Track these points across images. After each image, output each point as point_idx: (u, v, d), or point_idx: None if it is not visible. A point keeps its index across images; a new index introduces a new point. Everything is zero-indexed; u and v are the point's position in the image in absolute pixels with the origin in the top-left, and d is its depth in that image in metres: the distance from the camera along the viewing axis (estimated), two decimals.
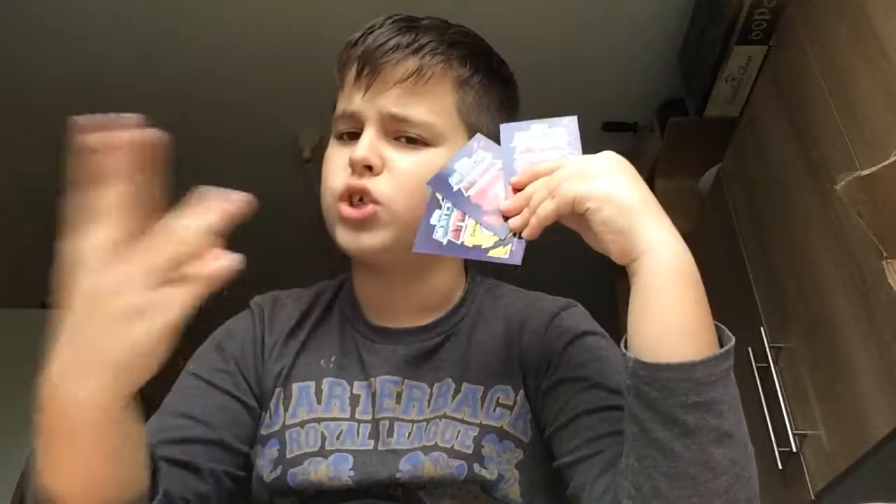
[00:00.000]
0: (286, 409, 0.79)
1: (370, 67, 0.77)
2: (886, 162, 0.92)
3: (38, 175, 2.18)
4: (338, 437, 0.76)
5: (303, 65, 1.80)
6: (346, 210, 0.76)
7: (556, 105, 2.16)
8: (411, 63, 0.77)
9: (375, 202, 0.75)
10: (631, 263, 0.65)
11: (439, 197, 0.71)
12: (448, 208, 0.71)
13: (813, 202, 1.19)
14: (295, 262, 2.32)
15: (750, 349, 1.29)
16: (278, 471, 0.75)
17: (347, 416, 0.78)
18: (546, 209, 0.67)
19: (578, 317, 0.83)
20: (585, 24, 1.71)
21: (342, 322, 0.85)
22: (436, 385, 0.78)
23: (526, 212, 0.68)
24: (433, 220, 0.70)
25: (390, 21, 0.80)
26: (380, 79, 0.76)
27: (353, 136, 0.78)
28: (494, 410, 0.76)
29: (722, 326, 0.64)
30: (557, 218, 0.67)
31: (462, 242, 0.69)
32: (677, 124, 1.74)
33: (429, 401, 0.78)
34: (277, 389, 0.80)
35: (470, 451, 0.73)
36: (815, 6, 1.26)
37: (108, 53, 1.79)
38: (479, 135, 0.76)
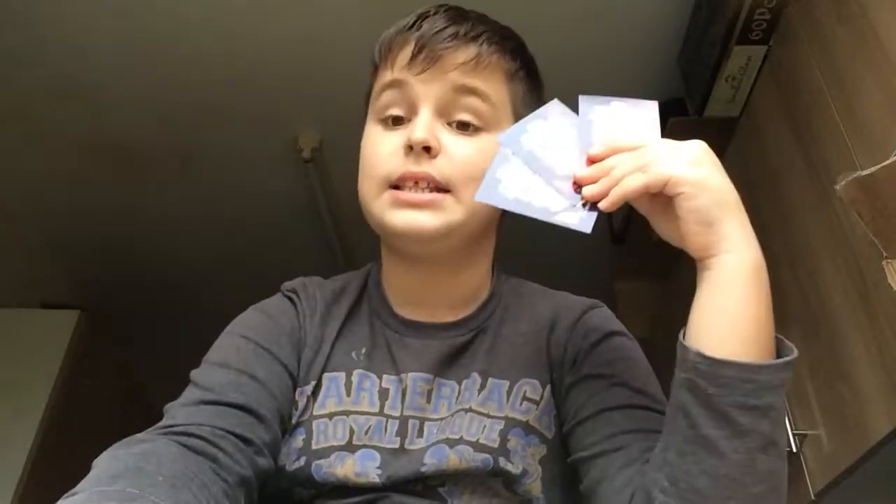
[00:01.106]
0: (315, 399, 0.77)
1: (429, 50, 0.76)
2: (886, 162, 0.92)
3: (38, 176, 2.19)
4: (366, 433, 0.75)
5: (303, 65, 1.80)
6: (408, 194, 0.74)
7: None
8: (471, 49, 0.77)
9: (438, 188, 0.74)
10: (709, 258, 0.64)
11: (508, 152, 0.68)
12: (518, 165, 0.67)
13: (813, 202, 1.19)
14: (295, 261, 2.32)
15: None
16: (302, 461, 0.74)
17: (376, 410, 0.76)
18: (634, 183, 0.64)
19: (606, 317, 0.84)
20: (585, 24, 1.71)
21: (371, 315, 0.83)
22: (464, 381, 0.78)
23: (605, 181, 0.66)
24: (499, 175, 0.67)
25: (444, 9, 0.80)
26: (439, 62, 0.76)
27: (399, 121, 0.77)
28: (521, 404, 0.76)
29: (783, 339, 0.63)
30: (643, 193, 0.65)
31: (529, 201, 0.66)
32: (677, 124, 1.74)
33: (457, 397, 0.77)
34: (312, 379, 0.78)
35: (496, 445, 0.73)
36: (815, 6, 1.26)
37: (106, 54, 1.79)
38: (556, 100, 0.74)
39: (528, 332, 0.81)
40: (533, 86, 0.84)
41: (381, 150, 0.76)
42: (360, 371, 0.79)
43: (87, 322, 2.46)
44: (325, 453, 0.74)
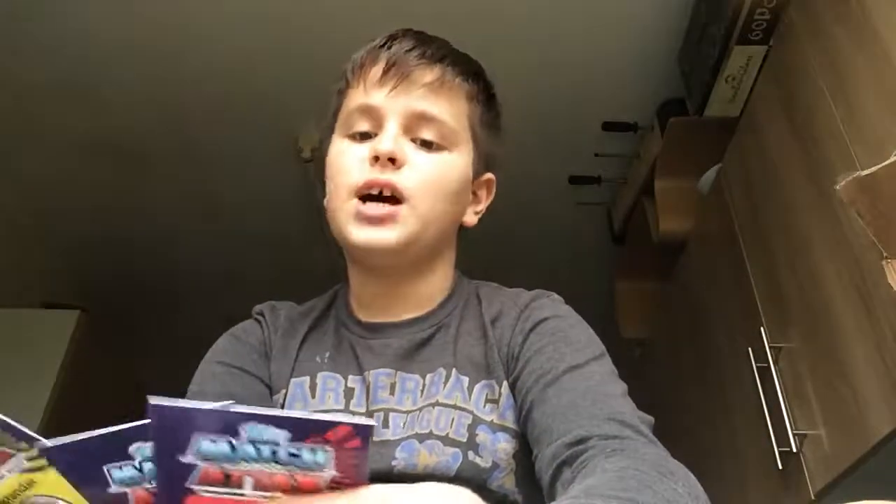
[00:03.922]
0: (284, 405, 0.80)
1: (399, 68, 0.81)
2: (886, 162, 0.92)
3: (38, 176, 2.19)
4: None
5: (303, 65, 1.80)
6: (370, 209, 0.78)
7: (557, 104, 2.17)
8: (437, 70, 0.83)
9: (399, 197, 0.78)
10: None
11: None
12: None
13: (813, 202, 1.19)
14: (295, 260, 2.32)
15: (750, 349, 1.29)
16: None
17: (342, 407, 0.79)
18: None
19: (542, 305, 0.84)
20: (585, 24, 1.71)
21: (337, 326, 0.87)
22: (428, 375, 0.80)
23: None
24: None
25: (411, 32, 0.86)
26: (408, 80, 0.81)
27: (366, 136, 0.82)
28: (484, 406, 0.77)
29: None
30: None
31: None
32: (677, 124, 1.74)
33: (422, 391, 0.79)
34: (282, 387, 0.82)
35: (464, 440, 0.74)
36: (815, 6, 1.26)
37: (107, 55, 1.79)
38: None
39: (479, 331, 0.83)
40: (490, 107, 0.90)
41: (348, 161, 0.81)
42: (324, 373, 0.82)
43: (87, 322, 2.46)
44: None
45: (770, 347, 1.26)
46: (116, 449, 0.42)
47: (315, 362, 0.83)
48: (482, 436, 0.75)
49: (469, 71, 0.86)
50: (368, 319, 0.85)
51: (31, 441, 0.42)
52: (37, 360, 2.29)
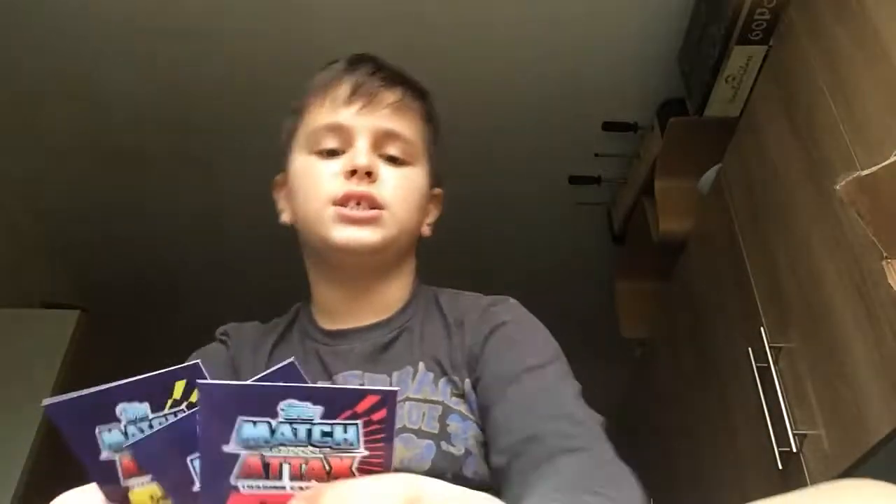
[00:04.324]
0: None
1: (365, 89, 0.88)
2: (886, 162, 0.92)
3: (38, 176, 2.19)
4: None
5: (304, 65, 1.80)
6: (353, 212, 0.83)
7: (557, 104, 2.17)
8: (398, 91, 0.89)
9: (379, 207, 0.84)
10: None
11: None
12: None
13: (813, 202, 1.19)
14: (296, 261, 2.32)
15: (750, 349, 1.29)
16: None
17: None
18: None
19: (503, 309, 0.87)
20: (585, 24, 1.71)
21: (302, 338, 0.90)
22: (395, 373, 0.82)
23: None
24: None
25: (368, 58, 0.92)
26: (375, 100, 0.87)
27: (333, 153, 0.87)
28: (451, 398, 0.80)
29: None
30: None
31: None
32: (677, 124, 1.74)
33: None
34: None
35: (436, 431, 0.76)
36: (815, 6, 1.26)
37: (107, 54, 1.79)
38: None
39: (443, 332, 0.86)
40: (437, 128, 0.97)
41: (322, 175, 0.86)
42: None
43: (87, 322, 2.46)
44: None
45: (770, 347, 1.26)
46: (106, 408, 0.44)
47: None
48: (453, 425, 0.77)
49: (422, 94, 0.94)
50: (332, 327, 0.89)
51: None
52: (37, 360, 2.29)
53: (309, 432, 0.41)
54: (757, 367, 1.27)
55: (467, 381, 0.81)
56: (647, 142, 1.92)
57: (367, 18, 1.70)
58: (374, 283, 0.89)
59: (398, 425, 0.76)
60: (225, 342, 0.91)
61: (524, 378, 0.76)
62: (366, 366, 0.83)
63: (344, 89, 0.88)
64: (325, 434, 0.40)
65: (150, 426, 0.45)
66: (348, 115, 0.87)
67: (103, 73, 1.84)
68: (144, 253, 2.46)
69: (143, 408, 0.45)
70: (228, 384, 0.41)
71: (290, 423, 0.40)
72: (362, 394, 0.40)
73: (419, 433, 0.76)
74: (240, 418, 0.40)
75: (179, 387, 0.45)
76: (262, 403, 0.40)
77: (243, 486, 0.41)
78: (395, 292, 0.91)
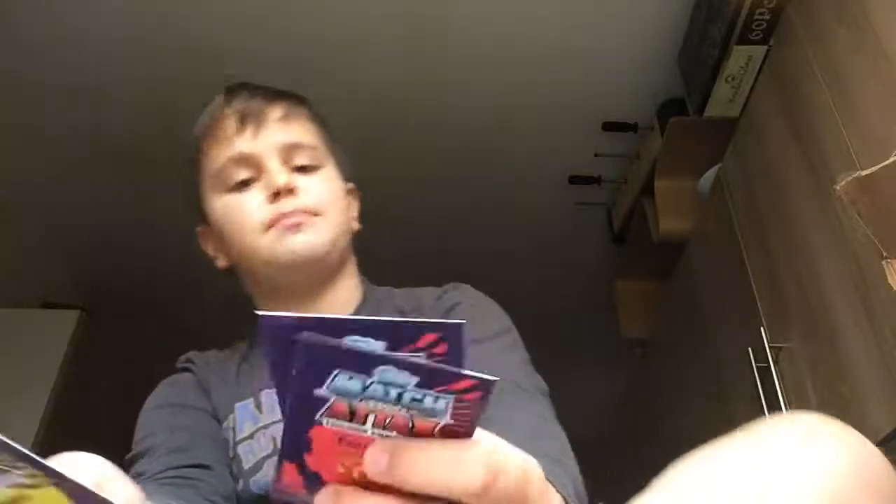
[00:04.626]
0: (234, 429, 0.83)
1: (252, 113, 0.89)
2: (886, 162, 0.92)
3: (38, 176, 2.19)
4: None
5: (304, 66, 1.80)
6: (287, 220, 0.83)
7: (557, 105, 2.17)
8: (282, 105, 0.91)
9: (313, 214, 0.85)
10: None
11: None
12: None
13: (813, 202, 1.19)
14: None
15: (750, 349, 1.29)
16: (241, 484, 0.79)
17: None
18: None
19: (456, 294, 0.89)
20: (585, 24, 1.71)
21: (262, 355, 0.89)
22: None
23: None
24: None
25: (239, 84, 0.94)
26: (264, 120, 0.88)
27: (246, 183, 0.87)
28: None
29: None
30: None
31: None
32: (677, 124, 1.74)
33: None
34: (228, 413, 0.85)
35: None
36: (815, 6, 1.26)
37: (107, 54, 1.79)
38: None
39: None
40: (326, 127, 0.97)
41: (246, 208, 0.86)
42: (267, 391, 0.85)
43: (87, 322, 2.46)
44: (257, 467, 0.80)
45: (770, 347, 1.26)
46: (361, 363, 0.40)
47: (254, 384, 0.86)
48: None
49: (300, 100, 0.95)
50: None
51: (31, 462, 0.42)
52: (37, 360, 2.29)
53: (400, 395, 0.40)
54: (757, 367, 1.27)
55: None
56: (647, 142, 1.92)
57: (367, 16, 1.70)
58: (322, 290, 0.90)
59: None
60: (190, 369, 0.92)
61: (471, 349, 0.78)
62: None
63: (231, 121, 0.89)
64: (415, 400, 0.40)
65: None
66: (246, 142, 0.87)
67: (104, 74, 1.84)
68: (144, 253, 2.46)
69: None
70: (332, 345, 0.40)
71: (384, 385, 0.40)
72: (462, 376, 0.40)
73: None
74: (336, 370, 0.40)
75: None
76: (362, 364, 0.40)
77: (327, 422, 0.41)
78: (345, 294, 0.92)
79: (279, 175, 0.85)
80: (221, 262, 0.94)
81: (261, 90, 0.92)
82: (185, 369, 0.93)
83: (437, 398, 0.40)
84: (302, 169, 0.88)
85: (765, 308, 1.33)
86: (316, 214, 0.85)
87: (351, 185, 0.99)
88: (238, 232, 0.86)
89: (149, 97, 1.91)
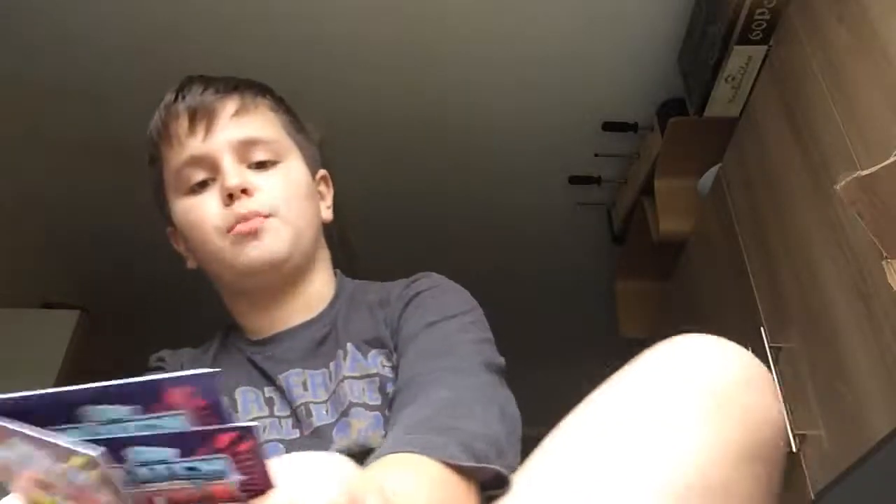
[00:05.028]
0: None
1: (203, 111, 0.85)
2: (886, 162, 0.92)
3: (38, 175, 2.19)
4: (264, 431, 0.80)
5: (302, 64, 1.80)
6: (243, 227, 0.81)
7: (557, 105, 2.17)
8: (235, 97, 0.87)
9: (267, 216, 0.83)
10: None
11: None
12: None
13: (813, 202, 1.19)
14: None
15: (750, 349, 1.29)
16: None
17: (266, 413, 0.82)
18: None
19: (423, 282, 0.89)
20: (585, 24, 1.71)
21: (235, 350, 0.90)
22: (331, 363, 0.83)
23: None
24: None
25: (193, 78, 0.90)
26: (216, 117, 0.85)
27: (204, 184, 0.85)
28: (383, 368, 0.82)
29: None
30: None
31: None
32: (677, 124, 1.74)
33: (330, 377, 0.82)
34: None
35: (379, 402, 0.79)
36: (815, 6, 1.26)
37: (107, 54, 1.79)
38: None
39: (367, 313, 0.87)
40: (293, 116, 0.95)
41: (204, 212, 0.84)
42: (241, 388, 0.84)
43: (87, 322, 2.46)
44: None
45: (770, 347, 1.26)
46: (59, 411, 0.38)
47: (229, 383, 0.85)
48: (392, 391, 0.79)
49: (260, 89, 0.92)
50: (262, 336, 0.89)
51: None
52: (37, 360, 2.29)
53: (171, 470, 0.38)
54: None
55: (395, 356, 0.82)
56: (647, 142, 1.92)
57: (367, 16, 1.69)
58: (293, 287, 0.89)
59: (345, 405, 0.78)
60: (162, 367, 0.92)
61: (423, 333, 0.79)
62: (304, 362, 0.84)
63: (182, 120, 0.87)
64: (190, 469, 0.38)
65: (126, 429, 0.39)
66: (198, 142, 0.85)
67: (104, 73, 1.84)
68: (145, 253, 2.45)
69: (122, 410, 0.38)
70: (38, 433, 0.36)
71: (146, 465, 0.38)
72: (215, 432, 0.37)
73: (366, 406, 0.78)
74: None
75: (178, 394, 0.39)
76: (108, 450, 0.37)
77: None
78: (318, 288, 0.91)
79: (231, 177, 0.82)
80: (191, 263, 0.94)
81: (213, 83, 0.88)
82: (159, 368, 0.92)
83: (210, 461, 0.38)
84: (261, 165, 0.86)
85: (765, 308, 1.33)
86: (271, 216, 0.83)
87: (322, 172, 0.97)
88: (199, 236, 0.86)
89: (149, 97, 1.90)
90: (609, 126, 1.94)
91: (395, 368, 0.81)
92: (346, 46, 1.76)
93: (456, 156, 2.08)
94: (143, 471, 0.38)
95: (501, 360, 0.80)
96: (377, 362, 0.82)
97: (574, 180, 2.13)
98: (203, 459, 0.38)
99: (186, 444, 0.37)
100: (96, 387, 0.38)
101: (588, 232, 2.33)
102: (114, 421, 0.37)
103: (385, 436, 0.74)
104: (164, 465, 0.38)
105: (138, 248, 2.45)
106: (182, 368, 0.89)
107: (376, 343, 0.84)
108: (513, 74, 1.83)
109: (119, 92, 1.89)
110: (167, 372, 0.88)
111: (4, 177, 2.14)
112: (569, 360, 2.51)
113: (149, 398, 0.37)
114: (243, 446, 0.38)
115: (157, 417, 0.37)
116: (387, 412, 0.78)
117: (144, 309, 2.67)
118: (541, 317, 2.60)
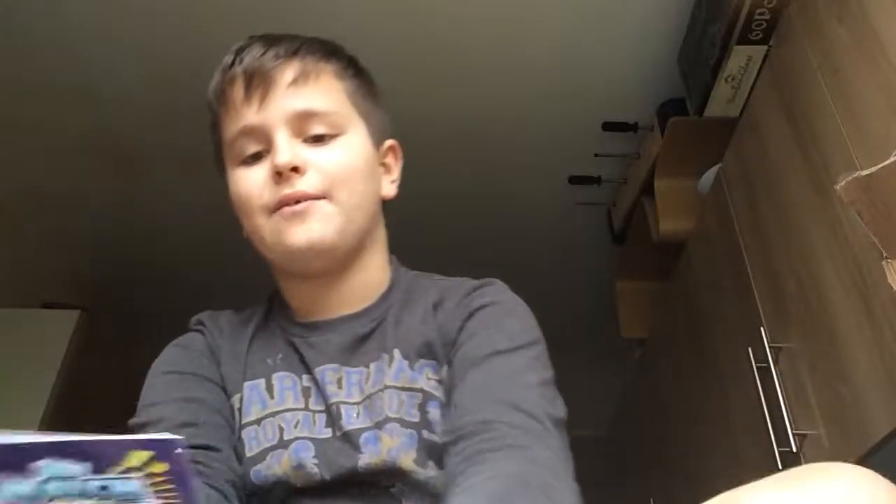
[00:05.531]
0: (241, 410, 0.79)
1: (259, 78, 0.79)
2: (886, 162, 0.92)
3: (38, 177, 2.19)
4: (295, 426, 0.77)
5: None
6: (288, 209, 0.77)
7: (557, 104, 2.17)
8: (296, 64, 0.81)
9: (318, 198, 0.78)
10: None
11: None
12: None
13: (813, 202, 1.19)
14: None
15: (750, 349, 1.29)
16: (241, 471, 0.77)
17: (302, 406, 0.79)
18: None
19: (486, 292, 0.84)
20: (585, 24, 1.71)
21: (278, 327, 0.86)
22: (372, 364, 0.80)
23: None
24: None
25: (256, 38, 0.83)
26: (272, 86, 0.79)
27: (258, 156, 0.80)
28: (429, 381, 0.78)
29: None
30: None
31: None
32: (677, 124, 1.74)
33: (367, 379, 0.79)
34: (237, 391, 0.81)
35: (417, 420, 0.75)
36: (815, 6, 1.26)
37: (107, 54, 1.79)
38: None
39: (420, 317, 0.82)
40: (363, 80, 0.87)
41: (252, 186, 0.80)
42: (279, 373, 0.81)
43: (87, 322, 2.46)
44: (261, 457, 0.76)
45: (770, 347, 1.26)
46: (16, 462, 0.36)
47: (267, 364, 0.82)
48: (433, 412, 0.76)
49: (327, 51, 0.84)
50: (308, 319, 0.85)
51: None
52: (37, 360, 2.29)
53: (84, 487, 0.35)
54: (757, 367, 1.27)
55: (445, 367, 0.78)
56: (647, 142, 1.92)
57: (367, 18, 1.70)
58: (344, 272, 0.84)
59: (381, 417, 0.75)
60: (201, 331, 0.87)
61: (489, 362, 0.74)
62: (343, 358, 0.81)
63: (238, 85, 0.80)
64: (103, 488, 0.35)
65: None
66: (252, 113, 0.79)
67: (104, 73, 1.84)
68: (145, 253, 2.46)
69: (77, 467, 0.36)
70: None
71: (61, 480, 0.35)
72: (128, 444, 0.34)
73: (402, 422, 0.75)
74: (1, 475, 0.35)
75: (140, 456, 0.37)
76: (15, 462, 0.34)
77: None
78: (372, 274, 0.87)
79: (282, 153, 0.77)
80: (245, 233, 0.86)
81: (274, 45, 0.81)
82: (197, 331, 0.88)
83: (124, 481, 0.35)
84: (318, 139, 0.80)
85: (765, 308, 1.33)
86: (324, 197, 0.78)
87: (390, 142, 0.90)
88: (246, 210, 0.81)
89: (149, 97, 1.91)
90: (609, 126, 1.94)
91: (441, 382, 0.78)
92: (347, 47, 1.76)
93: (456, 156, 2.08)
94: (53, 486, 0.35)
95: (564, 411, 0.75)
96: (423, 375, 0.78)
97: (574, 180, 2.13)
98: (117, 478, 0.35)
99: (100, 457, 0.35)
100: (54, 441, 0.35)
101: (588, 232, 2.33)
102: (65, 479, 0.35)
103: (416, 459, 0.72)
104: (77, 483, 0.35)
105: (139, 249, 2.46)
106: (222, 336, 0.85)
107: (425, 352, 0.79)
108: (513, 74, 1.83)
109: (119, 92, 1.89)
110: (206, 338, 0.86)
111: (4, 177, 2.14)
112: (568, 360, 2.50)
113: (107, 457, 0.35)
114: (162, 467, 0.35)
115: (112, 479, 0.35)
116: (424, 433, 0.74)
117: (145, 309, 2.67)
118: (540, 316, 2.60)
